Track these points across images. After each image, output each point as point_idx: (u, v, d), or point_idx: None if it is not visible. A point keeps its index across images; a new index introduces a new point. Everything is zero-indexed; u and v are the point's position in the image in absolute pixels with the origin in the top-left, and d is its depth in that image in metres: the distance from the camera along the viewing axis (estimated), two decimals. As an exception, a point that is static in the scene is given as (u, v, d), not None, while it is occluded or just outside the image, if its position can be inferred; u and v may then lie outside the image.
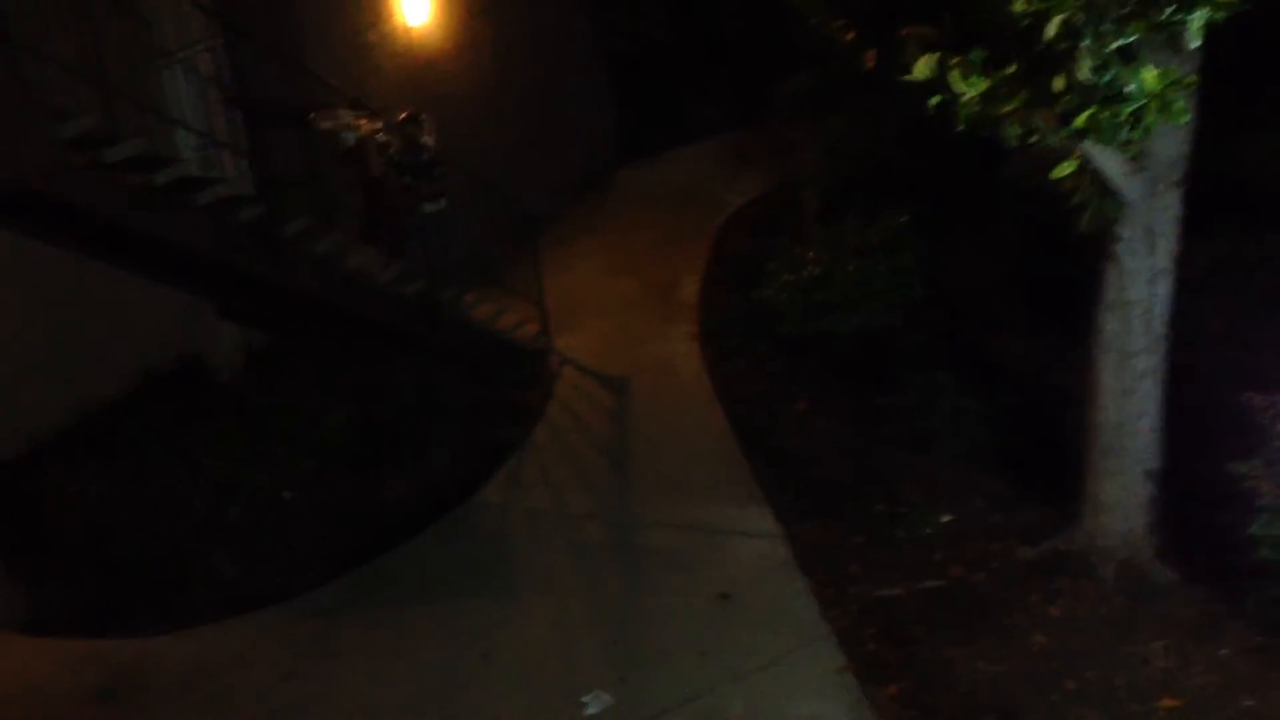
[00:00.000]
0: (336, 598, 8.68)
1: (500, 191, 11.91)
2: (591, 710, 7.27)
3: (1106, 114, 6.12)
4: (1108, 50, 6.00)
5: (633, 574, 8.63)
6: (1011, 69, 6.28)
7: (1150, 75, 5.98)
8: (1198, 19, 5.84)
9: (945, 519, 8.73)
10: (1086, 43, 5.98)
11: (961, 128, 6.46)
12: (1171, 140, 7.22)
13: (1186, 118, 6.35)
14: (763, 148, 15.34)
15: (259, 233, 9.33)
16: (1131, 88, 6.04)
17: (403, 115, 10.59)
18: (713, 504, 9.22)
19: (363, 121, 10.51)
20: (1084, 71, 6.04)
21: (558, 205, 14.53)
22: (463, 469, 9.94)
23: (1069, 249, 8.15)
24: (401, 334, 10.51)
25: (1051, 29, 5.94)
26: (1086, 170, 7.07)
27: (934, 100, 6.46)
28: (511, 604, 8.43)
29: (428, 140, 10.53)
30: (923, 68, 6.33)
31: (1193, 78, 6.64)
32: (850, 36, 7.79)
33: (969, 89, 6.28)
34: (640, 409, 10.84)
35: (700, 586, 8.32)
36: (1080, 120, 6.19)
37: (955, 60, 6.30)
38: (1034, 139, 6.56)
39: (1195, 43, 5.98)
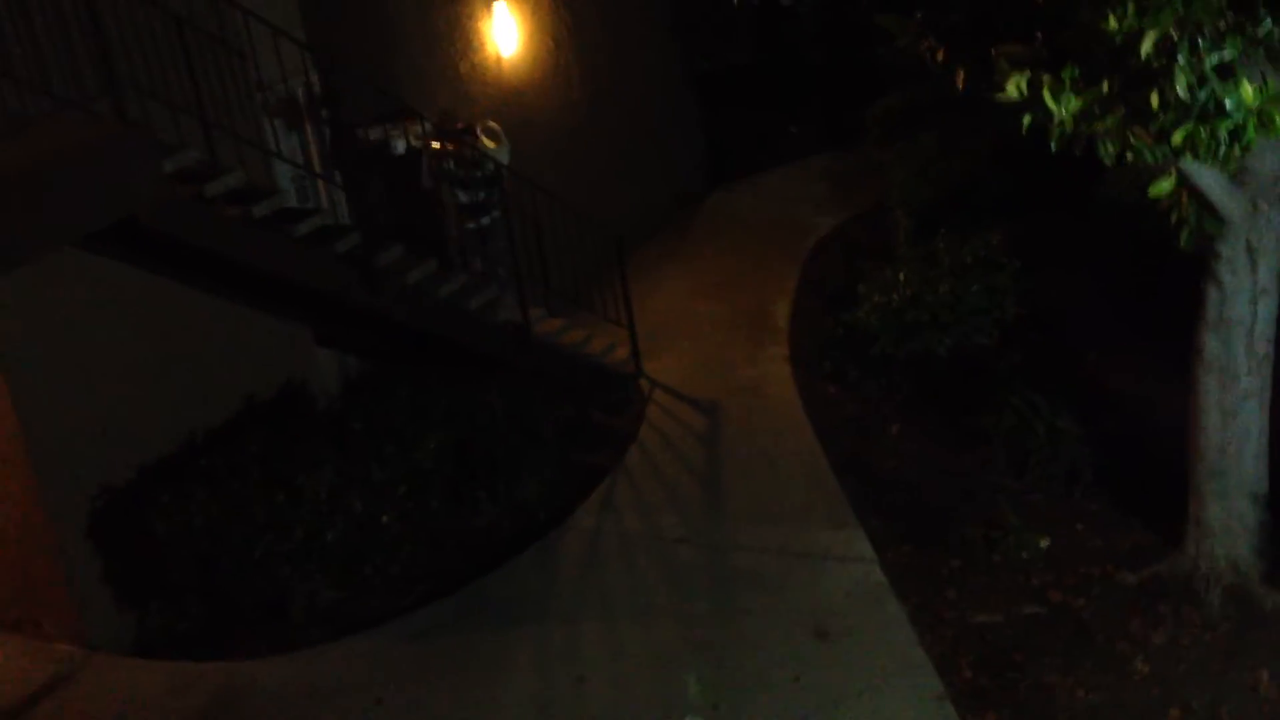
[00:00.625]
0: (431, 622, 8.78)
1: (589, 216, 12.01)
2: (685, 736, 7.26)
3: (1204, 131, 6.01)
4: (1205, 66, 5.90)
5: (726, 598, 8.61)
6: (1105, 87, 6.19)
7: (1249, 91, 5.87)
8: (1298, 32, 5.72)
9: (1044, 543, 8.59)
10: (1183, 59, 5.88)
11: (1055, 146, 6.38)
12: (1272, 156, 7.06)
13: (1288, 133, 6.21)
14: (852, 169, 15.27)
15: (355, 262, 9.52)
16: (1230, 103, 5.92)
17: (459, 125, 10.65)
18: (806, 528, 9.17)
19: (414, 129, 10.46)
20: (1180, 88, 5.93)
21: (647, 229, 14.59)
22: (555, 493, 10.00)
23: (1168, 267, 8.00)
24: (493, 358, 10.63)
25: (1146, 46, 5.85)
26: (1185, 187, 6.95)
27: (1027, 119, 6.40)
28: (605, 628, 8.45)
29: (481, 150, 10.50)
30: (1014, 87, 6.28)
31: (1294, 92, 6.50)
32: (940, 56, 7.73)
33: (1062, 107, 6.21)
34: (732, 432, 10.83)
35: (794, 611, 8.27)
36: (1178, 137, 6.08)
37: (1048, 78, 6.23)
38: (1130, 157, 6.46)
39: (1295, 56, 5.87)
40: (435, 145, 10.60)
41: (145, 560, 8.74)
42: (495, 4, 12.46)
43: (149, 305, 9.05)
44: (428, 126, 10.51)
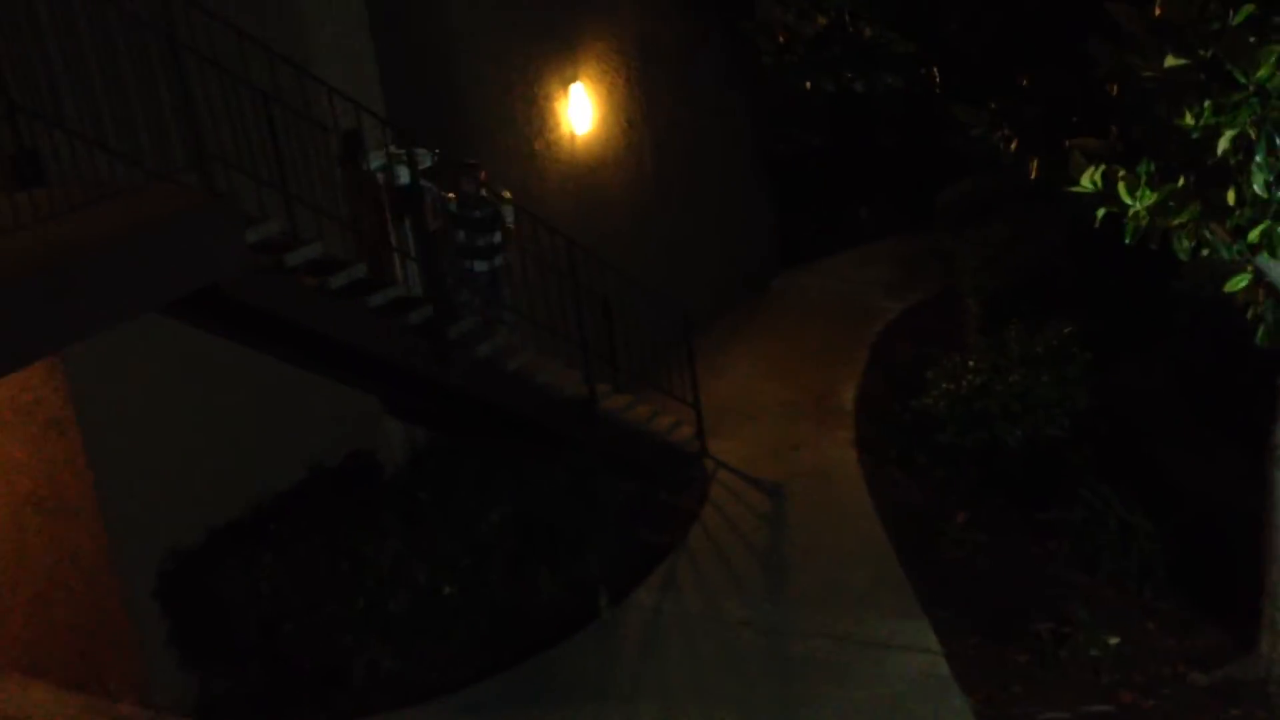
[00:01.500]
0: (489, 696, 8.75)
1: (657, 294, 12.09)
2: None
3: (1281, 229, 5.98)
4: (1283, 164, 5.87)
5: (787, 684, 8.51)
6: (1181, 182, 6.18)
7: (1328, 190, 5.83)
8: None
9: (1113, 641, 8.42)
10: (1260, 157, 5.87)
11: (1130, 240, 6.36)
12: (1352, 255, 6.96)
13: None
14: (922, 254, 15.27)
15: (427, 333, 9.64)
16: (1308, 202, 5.89)
17: (467, 163, 10.42)
18: (869, 616, 9.06)
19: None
20: (1258, 185, 5.92)
21: (715, 309, 14.67)
22: (617, 570, 9.98)
23: (1244, 362, 7.89)
24: (559, 433, 10.68)
25: (1223, 143, 5.85)
26: (1261, 284, 6.88)
27: (1101, 212, 6.39)
28: (663, 712, 8.37)
29: (481, 191, 10.24)
30: (1089, 180, 6.28)
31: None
32: (1013, 146, 7.76)
33: (1138, 202, 6.20)
34: (796, 516, 10.76)
35: (857, 702, 8.15)
36: (1254, 235, 6.05)
37: (1123, 173, 6.24)
38: (1206, 252, 6.42)
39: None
40: (439, 191, 10.22)
41: (210, 622, 8.82)
42: (572, 85, 12.70)
43: (223, 371, 9.22)
44: (429, 156, 9.97)
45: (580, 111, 12.81)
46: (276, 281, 8.53)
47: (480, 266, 10.48)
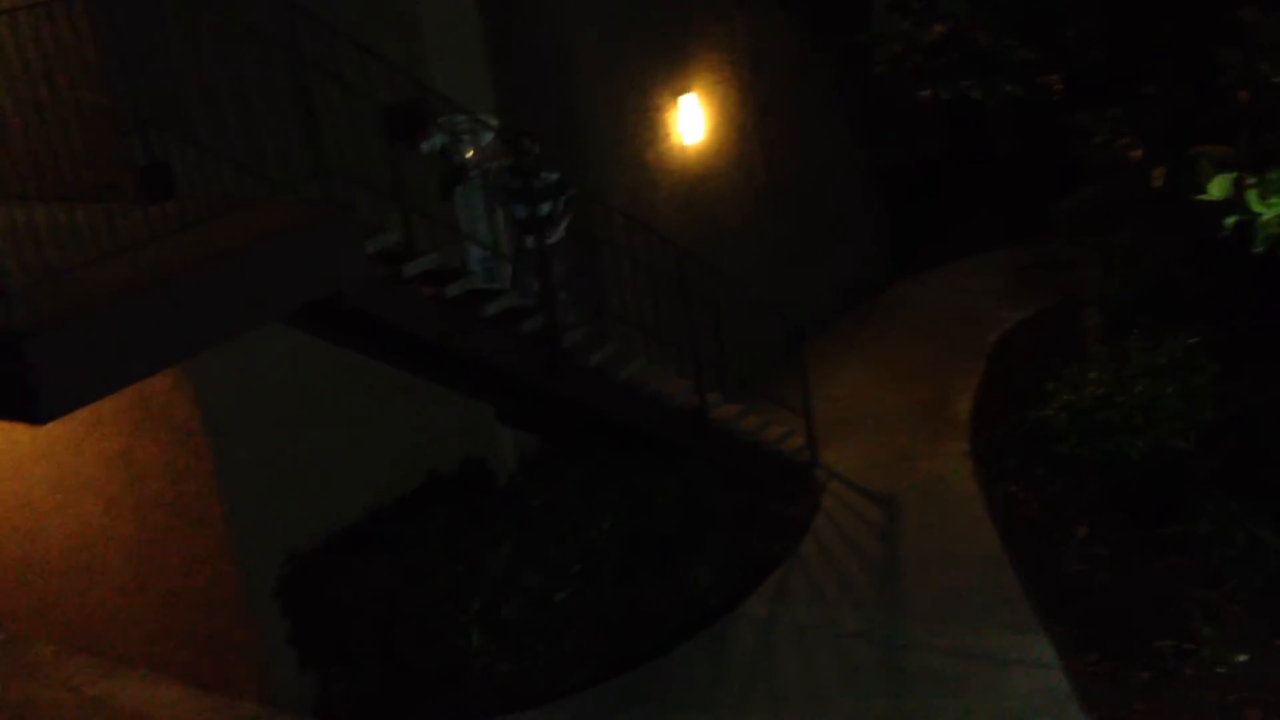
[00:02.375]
0: (602, 702, 8.80)
1: (769, 302, 12.05)
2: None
3: None
4: None
5: (902, 698, 8.41)
6: (1316, 188, 6.00)
7: None
8: None
9: (1240, 658, 8.17)
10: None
11: (1260, 248, 6.19)
12: None
13: None
14: (1040, 264, 14.99)
15: (540, 342, 9.74)
16: None
17: (523, 132, 9.84)
18: (986, 629, 8.92)
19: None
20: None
21: (826, 318, 14.57)
22: (728, 580, 9.96)
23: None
24: (669, 442, 10.70)
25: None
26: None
27: (1230, 220, 6.23)
28: (775, 721, 8.34)
29: (536, 157, 9.64)
30: (1218, 188, 6.13)
31: None
32: (1137, 155, 7.60)
33: (1268, 210, 6.03)
34: (910, 527, 10.64)
35: (973, 716, 8.02)
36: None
37: (1253, 180, 6.07)
38: (1342, 260, 6.22)
39: None
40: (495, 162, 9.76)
41: (328, 624, 9.00)
42: (683, 96, 12.73)
43: (343, 378, 9.42)
44: (486, 132, 9.52)
45: (691, 121, 12.83)
46: (394, 291, 8.70)
47: (547, 239, 9.83)
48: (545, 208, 9.77)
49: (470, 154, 9.55)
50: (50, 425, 7.08)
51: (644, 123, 12.39)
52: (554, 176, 9.79)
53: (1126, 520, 9.89)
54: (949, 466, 11.46)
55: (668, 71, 12.60)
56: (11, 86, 6.35)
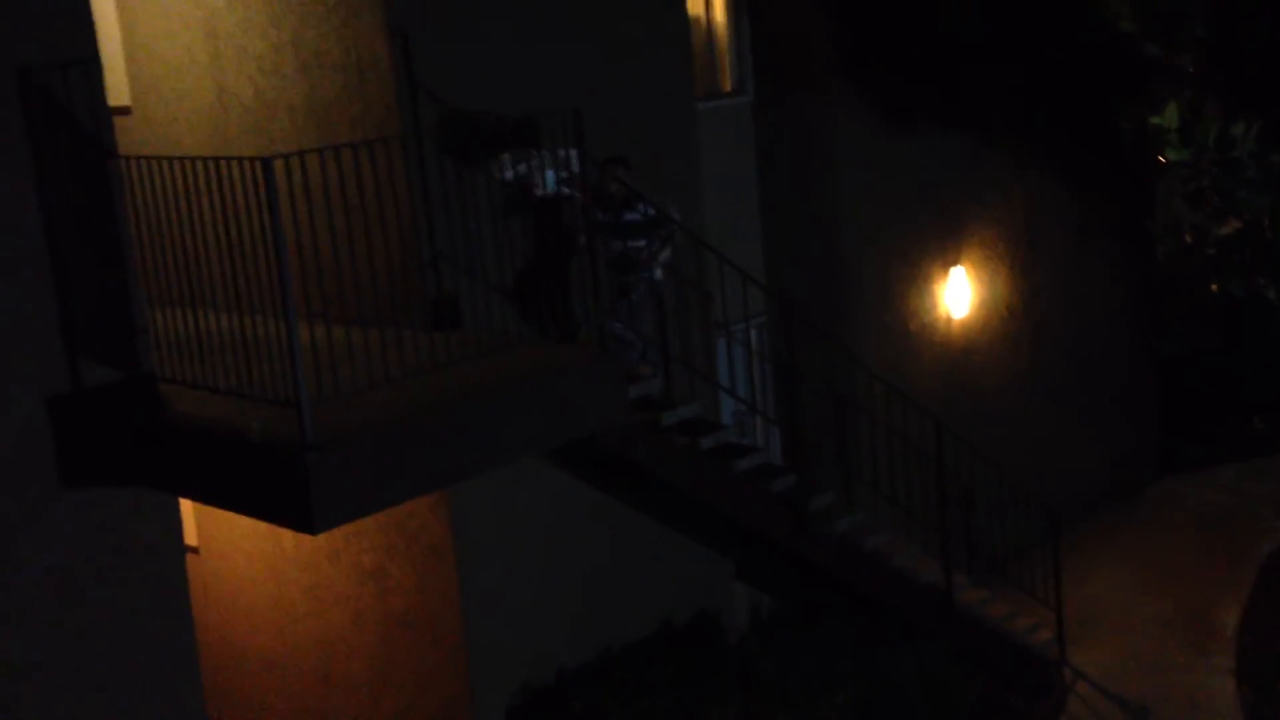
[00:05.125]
0: None
1: (1024, 486, 11.64)
2: None
3: None
4: None
5: None
6: None
7: None
8: None
9: None
10: None
11: None
12: None
13: None
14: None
15: (788, 503, 9.66)
16: None
17: (613, 159, 8.73)
18: None
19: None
20: None
21: (1086, 508, 13.94)
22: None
23: None
24: (909, 619, 10.36)
25: None
26: None
27: None
28: None
29: (626, 188, 8.61)
30: None
31: None
32: None
33: None
34: (1162, 744, 9.93)
35: None
36: None
37: None
38: None
39: None
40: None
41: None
42: (953, 269, 12.63)
43: (587, 516, 9.54)
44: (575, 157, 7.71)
45: (959, 295, 12.69)
46: (651, 438, 8.81)
47: (642, 276, 8.84)
48: (641, 244, 8.78)
49: (551, 187, 8.25)
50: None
51: (910, 292, 12.33)
52: (650, 211, 8.83)
53: None
54: (1209, 683, 10.68)
55: (939, 242, 12.55)
56: (326, 216, 6.83)
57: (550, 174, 8.20)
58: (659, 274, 8.94)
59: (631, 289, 8.81)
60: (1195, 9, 8.99)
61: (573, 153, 7.57)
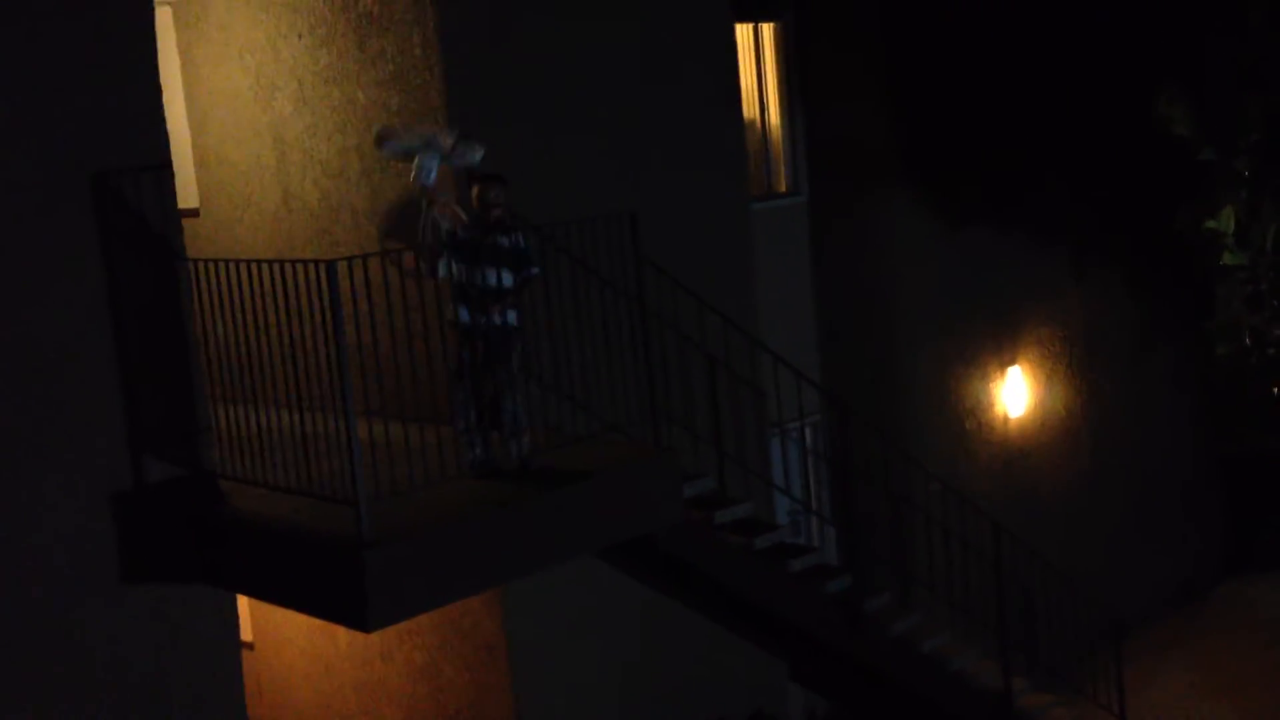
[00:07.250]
0: None
1: (1084, 589, 11.43)
2: None
3: None
4: None
5: None
6: None
7: None
8: None
9: None
10: None
11: None
12: None
13: None
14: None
15: (843, 604, 9.55)
16: None
17: (489, 175, 7.18)
18: None
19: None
20: None
21: (1149, 611, 13.65)
22: None
23: None
24: (969, 726, 10.16)
25: None
26: None
27: None
28: None
29: (498, 214, 7.02)
30: None
31: None
32: None
33: None
34: None
35: None
36: None
37: None
38: None
39: None
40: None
41: None
42: (1010, 367, 12.57)
43: (639, 613, 9.48)
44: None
45: (1016, 394, 12.62)
46: (705, 537, 8.78)
47: (496, 321, 6.99)
48: (502, 277, 6.97)
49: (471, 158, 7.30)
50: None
51: (966, 390, 12.27)
52: (521, 242, 7.05)
53: None
54: (1281, 796, 10.35)
55: (996, 340, 12.51)
56: (386, 316, 6.93)
57: (432, 163, 7.12)
58: (513, 318, 7.09)
59: (506, 358, 7.06)
60: (1251, 113, 9.02)
61: (463, 143, 7.01)
